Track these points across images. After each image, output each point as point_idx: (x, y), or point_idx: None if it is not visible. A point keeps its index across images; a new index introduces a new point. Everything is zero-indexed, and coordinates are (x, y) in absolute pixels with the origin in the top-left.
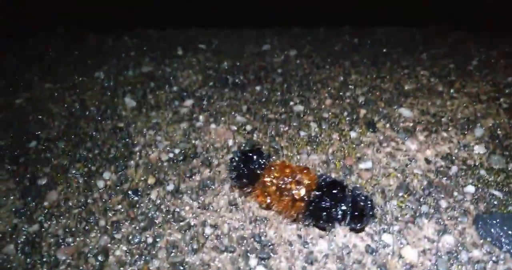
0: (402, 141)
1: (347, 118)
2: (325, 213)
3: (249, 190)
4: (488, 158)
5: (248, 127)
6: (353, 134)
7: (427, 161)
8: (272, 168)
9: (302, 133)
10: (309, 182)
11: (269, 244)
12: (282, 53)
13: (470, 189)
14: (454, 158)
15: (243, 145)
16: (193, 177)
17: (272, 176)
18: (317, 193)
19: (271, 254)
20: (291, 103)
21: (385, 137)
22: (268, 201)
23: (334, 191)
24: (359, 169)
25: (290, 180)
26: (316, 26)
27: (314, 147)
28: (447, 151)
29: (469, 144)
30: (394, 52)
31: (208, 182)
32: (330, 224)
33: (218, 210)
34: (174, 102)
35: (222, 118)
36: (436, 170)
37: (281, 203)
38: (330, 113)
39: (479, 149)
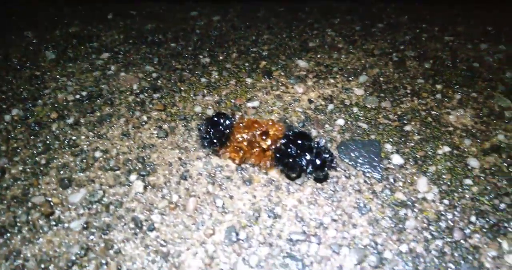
0: (291, 86)
1: (247, 68)
2: (291, 160)
3: (222, 150)
4: (365, 98)
5: (154, 75)
6: (248, 80)
7: (310, 101)
8: (241, 125)
9: (203, 79)
10: (276, 133)
11: (151, 164)
12: (206, 19)
13: (340, 122)
14: (334, 98)
15: (146, 88)
16: (94, 113)
17: (242, 133)
18: (283, 142)
19: (151, 172)
20: (200, 57)
21: (277, 83)
22: (241, 155)
23: (300, 141)
24: (246, 107)
25: (258, 133)
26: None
27: (211, 90)
28: (330, 93)
29: (351, 88)
30: (311, 17)
31: (107, 117)
32: (295, 173)
33: (111, 139)
34: (92, 55)
35: (133, 68)
36: (315, 108)
37: (253, 155)
38: (233, 65)
39: (358, 92)
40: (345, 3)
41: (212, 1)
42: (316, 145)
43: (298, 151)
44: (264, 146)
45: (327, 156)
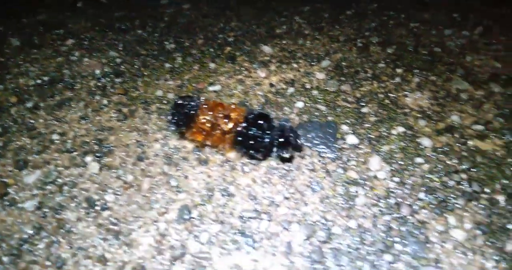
0: (254, 71)
1: (212, 54)
2: (252, 142)
3: (187, 131)
4: (326, 82)
5: (118, 61)
6: (212, 65)
7: (271, 85)
8: (205, 107)
9: (166, 65)
10: (237, 116)
11: (108, 146)
12: (176, 7)
13: (300, 104)
14: (295, 82)
15: (108, 73)
16: (54, 97)
17: (206, 115)
18: (244, 125)
19: (108, 153)
20: (166, 43)
21: (241, 67)
22: (203, 136)
23: (261, 122)
24: (208, 90)
25: (220, 115)
26: None
27: (174, 75)
28: (292, 77)
29: (313, 72)
30: (282, 5)
31: (67, 101)
32: (260, 153)
33: (69, 122)
34: (57, 42)
35: (97, 54)
36: (276, 92)
37: (213, 137)
38: (198, 50)
39: (320, 76)
40: None
41: None
42: (277, 125)
43: (260, 132)
44: (225, 129)
45: (291, 134)
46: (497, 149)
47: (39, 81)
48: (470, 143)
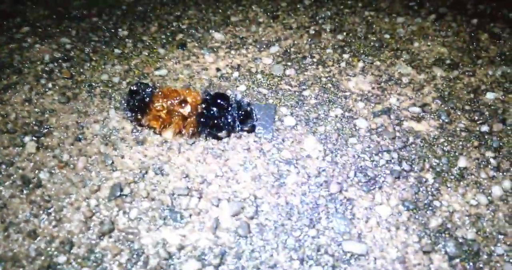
0: (202, 56)
1: (163, 41)
2: (215, 121)
3: (143, 119)
4: (271, 67)
5: (68, 47)
6: (161, 51)
7: (217, 70)
8: (160, 93)
9: (116, 50)
10: (193, 99)
11: (48, 127)
12: None
13: (242, 88)
14: (241, 67)
15: (57, 58)
16: (1, 81)
17: (161, 102)
18: (203, 106)
19: (46, 134)
20: (119, 30)
21: (190, 53)
22: (160, 123)
23: (219, 101)
24: (154, 75)
25: (176, 101)
26: None
27: (122, 60)
28: (238, 62)
29: (261, 57)
30: None
31: (13, 84)
32: (223, 131)
33: (13, 105)
34: (12, 29)
35: (49, 40)
36: (221, 76)
37: (173, 123)
38: (150, 37)
39: (266, 61)
40: None
41: None
42: (233, 101)
43: (220, 111)
44: (185, 113)
45: (249, 107)
46: (431, 130)
47: None
48: (405, 124)
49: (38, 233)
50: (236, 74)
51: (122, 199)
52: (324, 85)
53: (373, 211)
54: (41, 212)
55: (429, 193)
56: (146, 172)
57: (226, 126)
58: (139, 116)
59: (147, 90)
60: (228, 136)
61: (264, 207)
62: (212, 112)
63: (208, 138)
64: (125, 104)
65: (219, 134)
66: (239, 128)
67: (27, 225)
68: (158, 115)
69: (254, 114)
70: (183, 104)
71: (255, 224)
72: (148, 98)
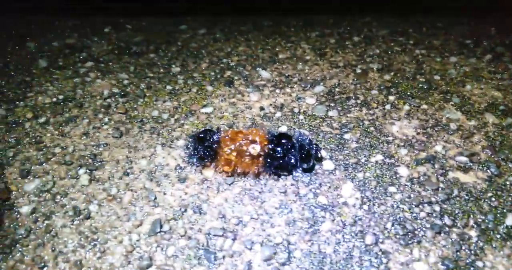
0: (248, 94)
1: (212, 78)
2: (280, 161)
3: (213, 165)
4: (314, 107)
5: (126, 82)
6: (209, 88)
7: (261, 109)
8: (227, 138)
9: (168, 87)
10: (260, 139)
11: (101, 161)
12: (192, 32)
13: (283, 128)
14: (284, 107)
15: (115, 93)
16: (63, 114)
17: (229, 145)
18: (270, 146)
19: (99, 167)
20: (173, 66)
21: (236, 91)
22: (232, 166)
23: (283, 141)
24: (200, 112)
25: (244, 142)
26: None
27: (173, 97)
28: (282, 101)
29: (304, 97)
30: (291, 31)
31: (74, 118)
32: (287, 171)
33: (72, 137)
34: (78, 64)
35: (109, 75)
36: (263, 115)
37: (244, 164)
38: (200, 74)
39: (310, 101)
40: (334, 17)
41: (210, 15)
42: (297, 140)
43: (284, 152)
44: (254, 153)
45: (311, 146)
46: (479, 182)
47: (54, 99)
48: (450, 174)
49: (83, 264)
50: (278, 114)
51: (161, 235)
52: (366, 129)
53: (409, 267)
54: (87, 243)
55: (472, 252)
56: (185, 210)
57: (290, 166)
58: (208, 163)
59: (214, 137)
60: (290, 174)
61: (296, 253)
62: (276, 152)
63: (273, 177)
64: (192, 152)
65: (282, 173)
66: (299, 167)
67: (74, 255)
68: (229, 159)
69: (315, 153)
70: (253, 145)
71: None
72: (216, 145)
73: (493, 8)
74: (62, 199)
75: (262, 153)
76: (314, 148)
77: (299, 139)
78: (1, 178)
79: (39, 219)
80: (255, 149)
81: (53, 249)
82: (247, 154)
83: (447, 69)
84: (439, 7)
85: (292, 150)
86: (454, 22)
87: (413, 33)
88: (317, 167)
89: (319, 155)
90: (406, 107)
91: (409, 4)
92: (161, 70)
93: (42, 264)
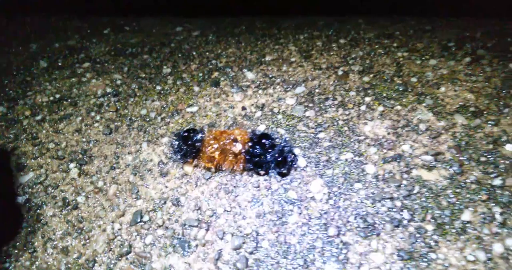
0: (232, 95)
1: (200, 78)
2: (257, 159)
3: (196, 162)
4: (293, 108)
5: (119, 82)
6: (196, 88)
7: (243, 108)
8: (211, 137)
9: (158, 87)
10: (242, 138)
11: (90, 156)
12: (186, 34)
13: (261, 127)
14: (265, 107)
15: (108, 93)
16: (58, 112)
17: (212, 144)
18: (250, 144)
19: (88, 162)
20: (164, 67)
21: (221, 91)
22: (215, 163)
23: (264, 141)
24: (185, 111)
25: (227, 141)
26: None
27: (161, 96)
28: (263, 102)
29: (285, 97)
30: (282, 33)
31: (68, 116)
32: (263, 170)
33: (65, 134)
34: (76, 64)
35: (104, 76)
36: (244, 115)
37: (227, 162)
38: (189, 75)
39: (290, 101)
40: (327, 19)
41: (206, 16)
42: (280, 143)
43: (263, 150)
44: (236, 151)
45: (290, 154)
46: (440, 180)
47: (51, 98)
48: (414, 172)
49: (69, 249)
50: (259, 113)
51: (141, 225)
52: (340, 128)
53: (367, 258)
54: (74, 231)
55: (427, 244)
56: (165, 202)
57: (265, 165)
58: (190, 160)
59: (198, 136)
60: (267, 174)
61: (264, 243)
62: (255, 150)
63: (252, 174)
64: (176, 149)
65: (259, 171)
66: (273, 169)
67: (62, 241)
68: (212, 157)
69: (291, 162)
70: (235, 143)
71: (253, 259)
72: (199, 143)
73: (482, 10)
74: (53, 190)
75: (243, 151)
76: (291, 157)
77: (282, 144)
78: None
79: (31, 209)
80: (236, 147)
81: (42, 236)
82: (230, 152)
83: (424, 71)
84: (431, 9)
85: (270, 150)
86: (445, 25)
87: (400, 35)
88: (290, 164)
89: (294, 165)
90: (381, 108)
91: (403, 6)
92: (153, 71)
93: (32, 249)
